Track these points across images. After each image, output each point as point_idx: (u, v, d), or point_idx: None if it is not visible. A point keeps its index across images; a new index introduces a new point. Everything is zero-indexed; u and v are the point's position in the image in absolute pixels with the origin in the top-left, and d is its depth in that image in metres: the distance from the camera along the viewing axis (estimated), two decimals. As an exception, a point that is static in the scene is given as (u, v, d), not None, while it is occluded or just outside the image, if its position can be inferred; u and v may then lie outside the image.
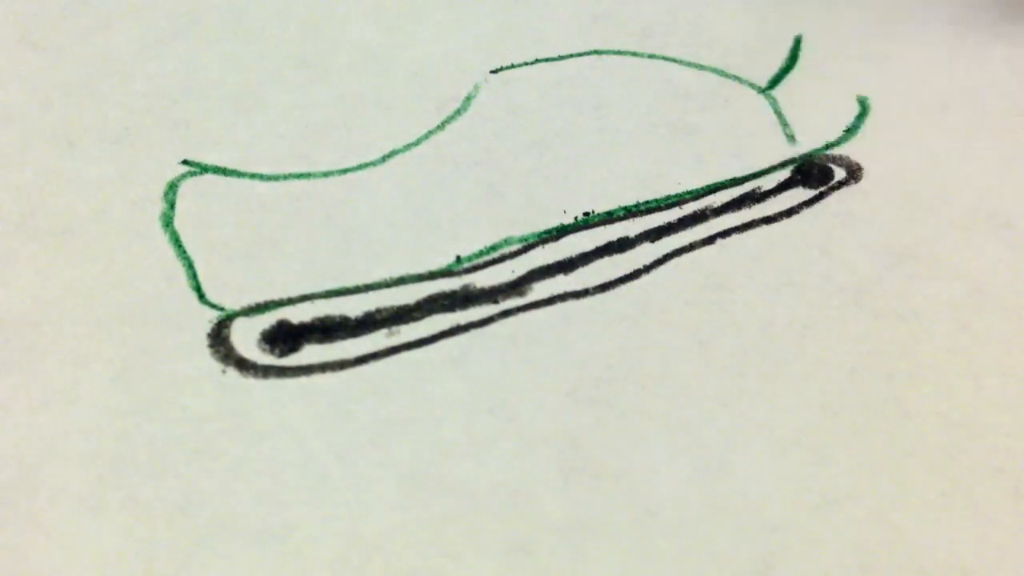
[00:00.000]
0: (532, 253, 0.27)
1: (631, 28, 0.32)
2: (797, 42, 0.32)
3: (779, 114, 0.30)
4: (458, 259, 0.27)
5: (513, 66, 0.31)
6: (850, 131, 0.30)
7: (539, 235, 0.27)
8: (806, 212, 0.28)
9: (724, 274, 0.27)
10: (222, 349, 0.25)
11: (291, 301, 0.26)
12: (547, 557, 0.22)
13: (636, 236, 0.27)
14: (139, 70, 0.31)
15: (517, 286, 0.26)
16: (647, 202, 0.28)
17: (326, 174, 0.28)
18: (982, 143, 0.29)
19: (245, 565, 0.22)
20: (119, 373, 0.24)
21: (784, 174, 0.29)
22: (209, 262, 0.26)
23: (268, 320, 0.25)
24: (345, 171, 0.28)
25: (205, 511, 0.22)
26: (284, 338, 0.25)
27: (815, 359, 0.25)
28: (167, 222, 0.27)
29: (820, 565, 0.22)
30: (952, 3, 0.33)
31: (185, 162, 0.29)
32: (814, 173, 0.29)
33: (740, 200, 0.28)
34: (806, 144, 0.29)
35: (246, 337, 0.25)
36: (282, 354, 0.25)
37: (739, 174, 0.29)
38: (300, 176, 0.28)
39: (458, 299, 0.26)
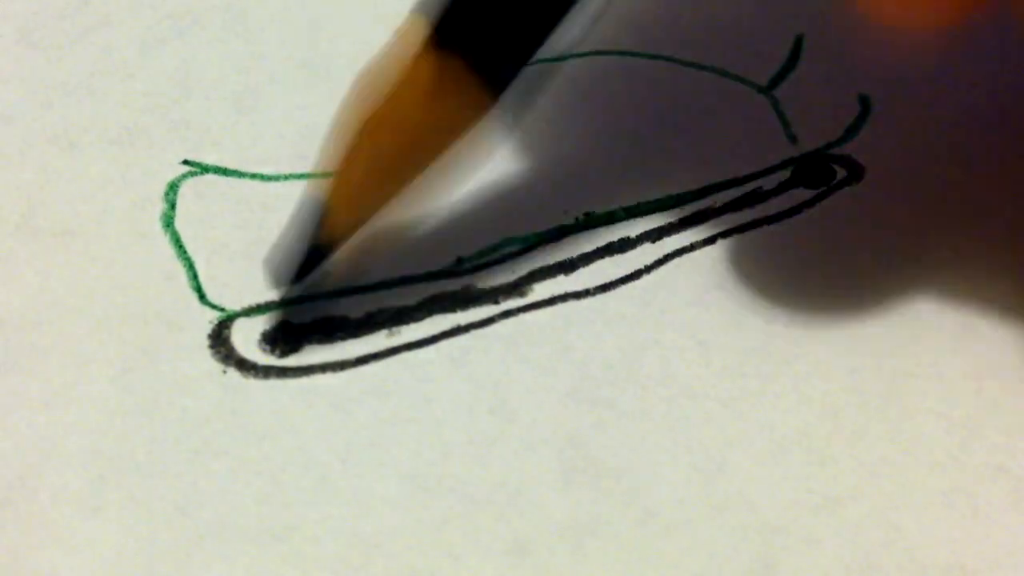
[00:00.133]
0: (532, 253, 0.27)
1: (631, 28, 0.32)
2: (798, 42, 0.32)
3: (780, 114, 0.30)
4: (459, 260, 0.27)
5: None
6: (851, 131, 0.30)
7: (539, 235, 0.27)
8: (807, 212, 0.28)
9: (725, 274, 0.27)
10: (222, 349, 0.25)
11: (291, 301, 0.26)
12: (547, 557, 0.22)
13: (637, 236, 0.27)
14: (139, 70, 0.31)
15: (518, 287, 0.26)
16: (647, 202, 0.28)
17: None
18: (982, 143, 0.29)
19: (245, 565, 0.22)
20: (119, 373, 0.24)
21: (785, 174, 0.29)
22: (210, 262, 0.27)
23: (268, 320, 0.25)
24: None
25: (205, 511, 0.22)
26: (285, 338, 0.25)
27: (815, 359, 0.25)
28: (167, 222, 0.27)
29: (820, 565, 0.22)
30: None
31: (186, 162, 0.29)
32: (815, 173, 0.29)
33: (741, 200, 0.28)
34: (807, 144, 0.29)
35: (247, 337, 0.25)
36: (283, 354, 0.25)
37: (739, 174, 0.29)
38: (301, 176, 0.28)
39: (459, 300, 0.26)
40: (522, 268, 0.27)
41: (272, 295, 0.26)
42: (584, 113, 0.30)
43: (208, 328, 0.25)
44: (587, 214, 0.28)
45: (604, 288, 0.26)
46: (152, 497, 0.23)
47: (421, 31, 0.24)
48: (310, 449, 0.23)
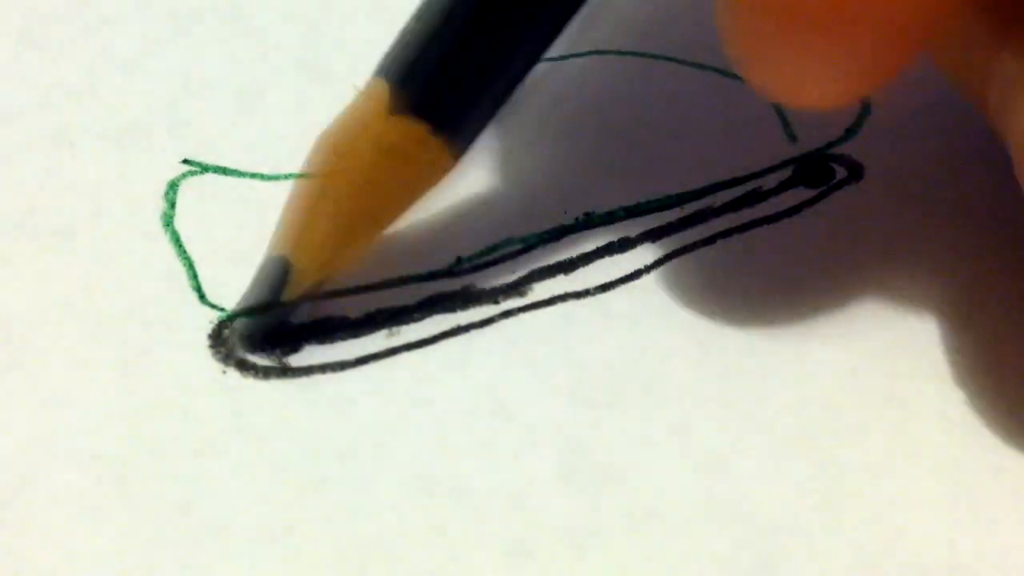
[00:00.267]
0: (532, 253, 0.27)
1: (631, 28, 0.32)
2: (798, 41, 0.32)
3: (780, 113, 0.30)
4: (458, 260, 0.27)
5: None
6: (851, 130, 0.30)
7: (539, 235, 0.27)
8: (807, 212, 0.28)
9: (725, 274, 0.27)
10: (222, 350, 0.25)
11: (292, 302, 0.26)
12: (547, 558, 0.22)
13: (637, 236, 0.27)
14: (139, 70, 0.31)
15: (518, 287, 0.26)
16: (647, 202, 0.28)
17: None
18: (982, 143, 0.29)
19: (245, 565, 0.22)
20: (119, 373, 0.24)
21: (785, 174, 0.29)
22: (210, 262, 0.26)
23: (268, 320, 0.25)
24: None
25: (205, 511, 0.22)
26: (284, 338, 0.25)
27: (815, 359, 0.25)
28: (167, 222, 0.27)
29: (820, 565, 0.22)
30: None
31: (186, 162, 0.29)
32: (815, 173, 0.29)
33: (741, 200, 0.28)
34: (807, 143, 0.29)
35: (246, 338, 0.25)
36: (283, 354, 0.25)
37: (739, 174, 0.29)
38: (300, 176, 0.28)
39: (459, 300, 0.26)
40: (522, 268, 0.27)
41: (272, 295, 0.26)
42: (584, 113, 0.30)
43: (208, 328, 0.25)
44: (587, 214, 0.28)
45: (604, 288, 0.26)
46: (152, 497, 0.23)
47: (382, 94, 0.24)
48: (310, 449, 0.23)
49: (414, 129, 0.24)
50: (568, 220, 0.27)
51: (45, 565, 0.22)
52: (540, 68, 0.32)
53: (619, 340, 0.25)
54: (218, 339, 0.25)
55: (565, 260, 0.27)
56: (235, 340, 0.25)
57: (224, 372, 0.25)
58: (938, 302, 0.26)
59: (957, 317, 0.26)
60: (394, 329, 0.25)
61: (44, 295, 0.26)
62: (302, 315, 0.25)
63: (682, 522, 0.22)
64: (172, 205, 0.28)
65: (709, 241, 0.27)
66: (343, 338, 0.25)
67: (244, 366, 0.25)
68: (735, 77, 0.31)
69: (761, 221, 0.28)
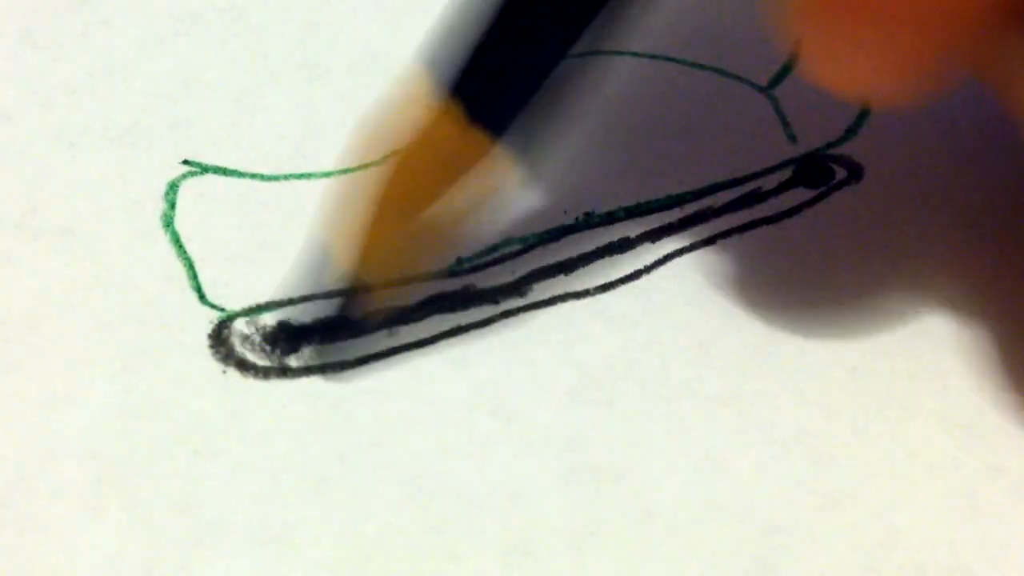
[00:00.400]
0: (532, 253, 0.27)
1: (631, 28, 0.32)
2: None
3: (780, 114, 0.30)
4: (459, 260, 0.27)
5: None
6: (851, 131, 0.30)
7: (539, 235, 0.27)
8: (807, 212, 0.28)
9: (724, 274, 0.27)
10: (222, 350, 0.25)
11: (291, 302, 0.26)
12: (547, 558, 0.22)
13: (637, 236, 0.27)
14: (139, 70, 0.31)
15: (517, 287, 0.26)
16: (647, 202, 0.28)
17: (326, 174, 0.28)
18: (982, 143, 0.29)
19: (245, 565, 0.22)
20: (119, 373, 0.24)
21: (785, 174, 0.29)
22: (210, 262, 0.26)
23: (269, 321, 0.25)
24: (345, 171, 0.28)
25: (205, 511, 0.22)
26: (285, 339, 0.25)
27: (815, 359, 0.25)
28: (167, 222, 0.27)
29: (820, 565, 0.22)
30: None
31: (186, 162, 0.29)
32: (815, 173, 0.29)
33: (741, 200, 0.28)
34: (807, 144, 0.29)
35: (247, 338, 0.25)
36: (283, 354, 0.25)
37: (739, 174, 0.29)
38: (300, 176, 0.28)
39: (458, 300, 0.26)
40: (522, 268, 0.27)
41: (272, 295, 0.26)
42: (583, 113, 0.30)
43: (208, 328, 0.25)
44: (587, 214, 0.28)
45: (604, 288, 0.26)
46: (152, 497, 0.23)
47: (422, 81, 0.24)
48: (310, 449, 0.23)
49: (452, 114, 0.24)
50: (568, 220, 0.27)
51: (45, 564, 0.22)
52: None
53: (619, 340, 0.25)
54: (218, 339, 0.25)
55: (565, 260, 0.27)
56: (274, 330, 0.25)
57: (224, 372, 0.25)
58: (938, 302, 0.26)
59: (957, 317, 0.26)
60: (394, 329, 0.25)
61: (44, 295, 0.26)
62: (302, 316, 0.25)
63: (682, 522, 0.22)
64: (172, 206, 0.28)
65: (709, 241, 0.27)
66: (343, 338, 0.25)
67: (244, 366, 0.25)
68: (735, 77, 0.31)
69: (761, 221, 0.28)
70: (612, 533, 0.22)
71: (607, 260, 0.27)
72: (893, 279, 0.26)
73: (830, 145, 0.29)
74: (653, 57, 0.31)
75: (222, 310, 0.26)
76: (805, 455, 0.23)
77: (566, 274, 0.26)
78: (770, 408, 0.24)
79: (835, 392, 0.24)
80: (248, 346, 0.25)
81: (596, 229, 0.27)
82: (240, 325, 0.25)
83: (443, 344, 0.25)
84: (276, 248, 0.27)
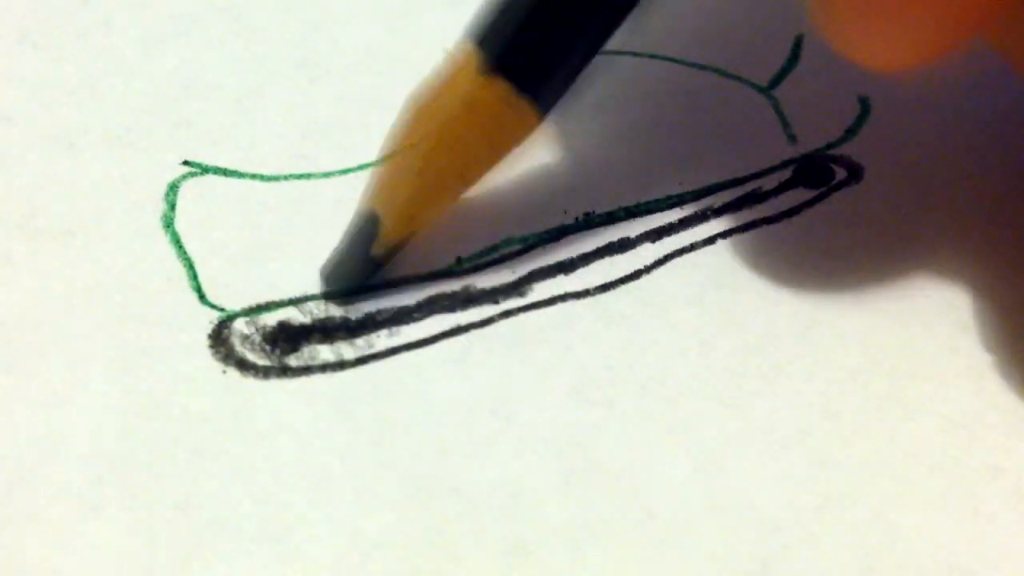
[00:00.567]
0: (532, 253, 0.27)
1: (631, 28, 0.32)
2: (798, 41, 0.32)
3: (780, 114, 0.30)
4: (459, 260, 0.27)
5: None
6: (851, 131, 0.30)
7: (539, 235, 0.27)
8: (807, 212, 0.28)
9: (725, 274, 0.27)
10: (222, 349, 0.25)
11: (292, 301, 0.26)
12: (547, 557, 0.22)
13: (637, 236, 0.27)
14: (139, 70, 0.31)
15: (517, 287, 0.26)
16: (647, 202, 0.28)
17: (326, 174, 0.28)
18: (982, 143, 0.29)
19: (245, 565, 0.22)
20: (119, 373, 0.24)
21: (785, 174, 0.29)
22: (209, 263, 0.26)
23: (269, 320, 0.25)
24: (345, 171, 0.28)
25: (205, 511, 0.22)
26: (285, 339, 0.25)
27: (815, 359, 0.25)
28: (168, 223, 0.27)
29: (820, 565, 0.22)
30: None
31: (186, 162, 0.29)
32: (815, 173, 0.29)
33: (741, 200, 0.28)
34: (807, 144, 0.29)
35: (247, 337, 0.25)
36: (283, 354, 0.25)
37: (739, 174, 0.29)
38: (300, 176, 0.28)
39: (459, 300, 0.26)
40: (522, 268, 0.27)
41: (272, 295, 0.26)
42: (584, 113, 0.30)
43: (208, 328, 0.25)
44: (587, 214, 0.28)
45: (604, 288, 0.26)
46: (152, 497, 0.23)
47: (469, 55, 0.25)
48: (310, 449, 0.23)
49: (499, 88, 0.25)
50: (568, 220, 0.27)
51: (45, 564, 0.22)
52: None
53: (619, 340, 0.25)
54: (218, 339, 0.25)
55: (565, 260, 0.27)
56: (324, 283, 0.26)
57: (224, 372, 0.25)
58: (938, 302, 0.26)
59: (957, 317, 0.26)
60: (394, 329, 0.25)
61: (44, 295, 0.26)
62: (302, 315, 0.25)
63: (682, 521, 0.22)
64: (172, 206, 0.28)
65: (709, 241, 0.27)
66: (343, 338, 0.25)
67: (244, 366, 0.25)
68: (735, 77, 0.31)
69: (761, 221, 0.28)
70: (612, 533, 0.22)
71: (607, 260, 0.27)
72: (892, 279, 0.26)
73: (830, 145, 0.29)
74: (653, 57, 0.31)
75: (222, 310, 0.26)
76: (805, 455, 0.23)
77: (566, 274, 0.26)
78: (770, 408, 0.24)
79: (835, 392, 0.24)
80: (248, 346, 0.25)
81: (596, 229, 0.27)
82: (240, 325, 0.25)
83: (443, 344, 0.25)
84: (276, 248, 0.27)
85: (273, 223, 0.27)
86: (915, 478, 0.23)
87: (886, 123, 0.30)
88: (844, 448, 0.24)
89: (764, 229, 0.27)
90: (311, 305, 0.26)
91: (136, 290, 0.26)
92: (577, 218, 0.27)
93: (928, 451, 0.23)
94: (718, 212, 0.28)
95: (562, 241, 0.27)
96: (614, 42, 0.31)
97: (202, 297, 0.26)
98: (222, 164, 0.29)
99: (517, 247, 0.27)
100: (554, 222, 0.27)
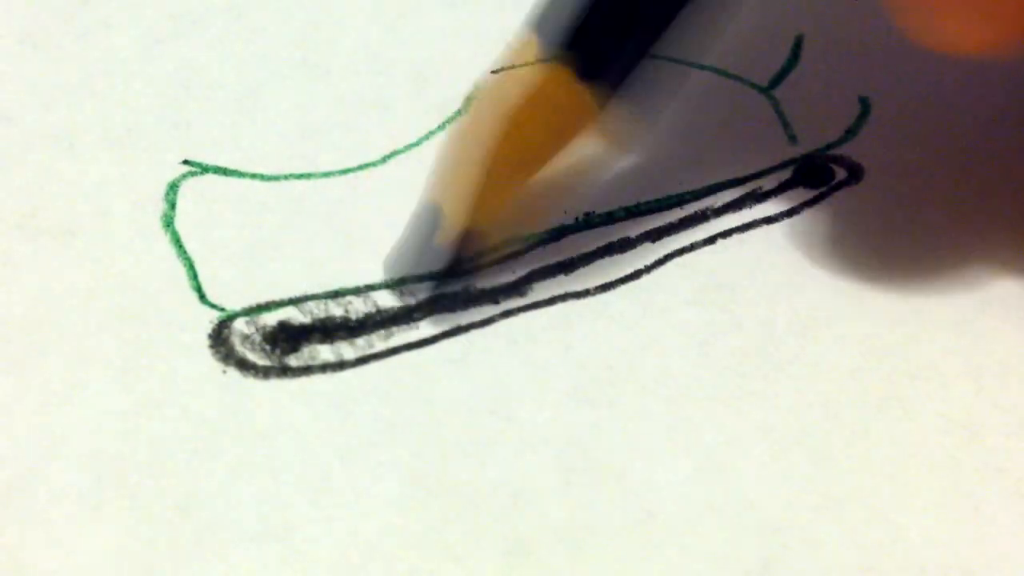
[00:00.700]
0: (532, 254, 0.27)
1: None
2: (798, 42, 0.32)
3: (780, 114, 0.30)
4: (459, 259, 0.27)
5: (514, 66, 0.31)
6: (851, 131, 0.30)
7: (539, 236, 0.27)
8: (807, 212, 0.28)
9: (725, 274, 0.27)
10: (223, 349, 0.25)
11: (292, 301, 0.26)
12: (547, 557, 0.22)
13: (637, 236, 0.27)
14: (139, 70, 0.31)
15: (517, 287, 0.26)
16: (648, 202, 0.28)
17: (326, 174, 0.28)
18: (982, 143, 0.29)
19: (245, 565, 0.22)
20: (119, 373, 0.24)
21: (785, 174, 0.29)
22: (210, 262, 0.26)
23: (269, 320, 0.25)
24: (345, 171, 0.28)
25: (205, 511, 0.22)
26: (285, 338, 0.25)
27: (815, 359, 0.25)
28: (168, 222, 0.27)
29: (820, 565, 0.22)
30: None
31: (186, 162, 0.29)
32: (815, 173, 0.29)
33: (741, 200, 0.28)
34: (807, 144, 0.29)
35: (247, 337, 0.25)
36: (283, 354, 0.25)
37: (740, 174, 0.29)
38: (300, 176, 0.28)
39: (459, 300, 0.26)
40: (522, 268, 0.27)
41: (272, 295, 0.26)
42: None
43: (208, 328, 0.25)
44: (587, 214, 0.28)
45: (604, 288, 0.26)
46: (152, 497, 0.23)
47: (531, 44, 0.25)
48: (310, 449, 0.23)
49: (561, 76, 0.25)
50: (568, 220, 0.27)
51: (45, 564, 0.22)
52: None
53: (619, 340, 0.25)
54: (218, 339, 0.25)
55: (565, 260, 0.27)
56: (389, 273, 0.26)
57: (224, 372, 0.25)
58: (938, 302, 0.26)
59: (957, 317, 0.26)
60: (394, 329, 0.25)
61: (45, 295, 0.26)
62: (303, 315, 0.25)
63: (682, 522, 0.22)
64: (172, 206, 0.28)
65: (709, 241, 0.27)
66: (343, 338, 0.25)
67: (244, 366, 0.25)
68: (735, 77, 0.31)
69: (761, 221, 0.28)
70: (612, 533, 0.22)
71: (607, 260, 0.27)
72: (892, 279, 0.26)
73: (830, 145, 0.29)
74: (653, 57, 0.31)
75: (222, 310, 0.26)
76: (805, 455, 0.23)
77: (566, 274, 0.26)
78: (770, 408, 0.24)
79: (835, 392, 0.24)
80: (248, 346, 0.25)
81: (596, 229, 0.27)
82: (240, 325, 0.25)
83: (443, 344, 0.25)
84: (276, 248, 0.27)
85: (273, 223, 0.27)
86: (915, 478, 0.23)
87: (886, 123, 0.30)
88: (844, 448, 0.23)
89: (764, 229, 0.27)
90: (311, 305, 0.26)
91: (136, 290, 0.26)
92: (577, 218, 0.27)
93: (928, 451, 0.23)
94: (718, 212, 0.28)
95: (562, 241, 0.27)
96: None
97: (202, 297, 0.26)
98: (222, 164, 0.29)
99: (517, 247, 0.27)
100: (554, 222, 0.27)
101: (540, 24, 0.25)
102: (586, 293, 0.26)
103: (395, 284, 0.26)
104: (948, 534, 0.22)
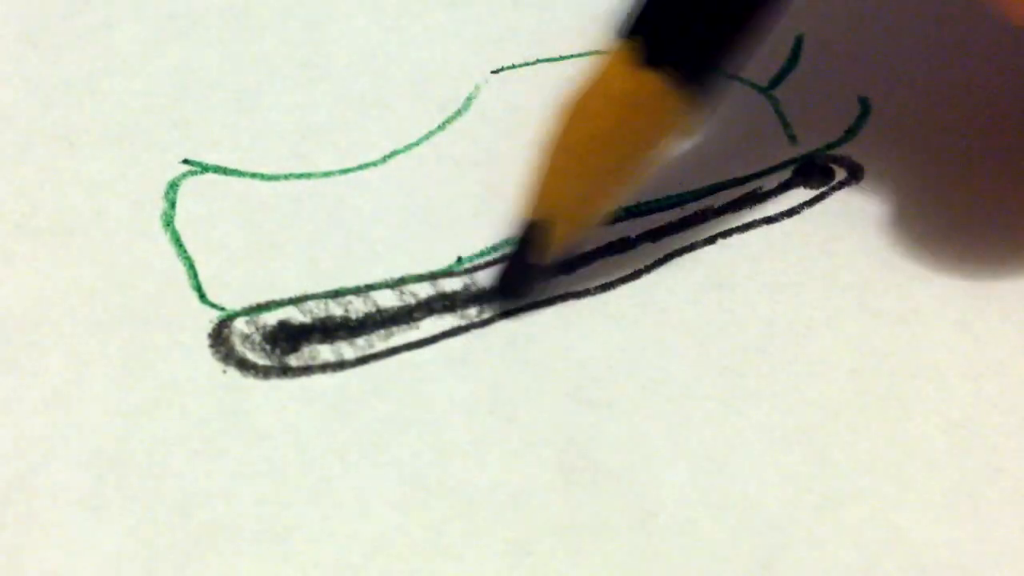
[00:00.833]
0: (532, 253, 0.27)
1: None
2: (798, 42, 0.32)
3: (780, 114, 0.30)
4: (459, 260, 0.27)
5: (513, 66, 0.31)
6: (851, 131, 0.30)
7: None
8: (807, 212, 0.28)
9: (725, 274, 0.27)
10: (223, 349, 0.25)
11: (292, 301, 0.26)
12: (547, 557, 0.22)
13: (637, 236, 0.27)
14: (139, 70, 0.31)
15: (517, 286, 0.26)
16: (648, 202, 0.28)
17: (326, 174, 0.28)
18: (982, 143, 0.29)
19: (245, 565, 0.22)
20: (119, 373, 0.24)
21: (785, 174, 0.29)
22: (210, 262, 0.26)
23: (269, 320, 0.25)
24: (345, 171, 0.28)
25: (205, 511, 0.22)
26: (285, 338, 0.25)
27: (815, 359, 0.25)
28: (168, 222, 0.27)
29: (820, 565, 0.22)
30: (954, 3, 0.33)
31: (186, 162, 0.29)
32: (815, 173, 0.29)
33: (741, 200, 0.28)
34: (807, 144, 0.29)
35: (247, 337, 0.25)
36: (283, 354, 0.25)
37: (740, 174, 0.29)
38: (300, 176, 0.28)
39: (459, 299, 0.26)
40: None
41: (272, 295, 0.26)
42: None
43: (208, 328, 0.25)
44: (587, 214, 0.28)
45: (604, 288, 0.26)
46: (152, 497, 0.23)
47: (621, 52, 0.25)
48: (310, 449, 0.23)
49: (653, 82, 0.24)
50: (568, 220, 0.27)
51: (45, 564, 0.22)
52: (541, 68, 0.32)
53: (619, 340, 0.25)
54: (218, 339, 0.25)
55: (565, 260, 0.27)
56: (502, 295, 0.26)
57: (224, 372, 0.25)
58: (938, 302, 0.26)
59: (957, 317, 0.26)
60: (394, 329, 0.25)
61: (44, 295, 0.26)
62: (303, 315, 0.25)
63: (682, 521, 0.22)
64: (172, 205, 0.28)
65: (710, 241, 0.27)
66: (343, 338, 0.25)
67: (244, 366, 0.25)
68: (735, 77, 0.31)
69: (761, 221, 0.28)
70: (612, 532, 0.22)
71: (607, 260, 0.27)
72: (892, 279, 0.26)
73: (830, 145, 0.29)
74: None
75: (222, 310, 0.26)
76: (805, 455, 0.23)
77: (566, 274, 0.26)
78: (770, 408, 0.24)
79: (835, 392, 0.24)
80: (248, 346, 0.25)
81: (596, 229, 0.27)
82: (240, 325, 0.25)
83: (443, 344, 0.25)
84: (276, 248, 0.27)
85: (273, 223, 0.27)
86: (915, 478, 0.23)
87: (886, 123, 0.30)
88: (844, 448, 0.23)
89: (764, 229, 0.27)
90: (311, 305, 0.26)
91: (136, 289, 0.26)
92: (577, 218, 0.27)
93: (928, 451, 0.23)
94: (718, 212, 0.28)
95: (562, 241, 0.27)
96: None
97: (202, 296, 0.26)
98: (222, 164, 0.29)
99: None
100: (554, 222, 0.27)
101: (627, 30, 0.25)
102: (586, 293, 0.26)
103: (395, 284, 0.26)
104: (948, 534, 0.22)
